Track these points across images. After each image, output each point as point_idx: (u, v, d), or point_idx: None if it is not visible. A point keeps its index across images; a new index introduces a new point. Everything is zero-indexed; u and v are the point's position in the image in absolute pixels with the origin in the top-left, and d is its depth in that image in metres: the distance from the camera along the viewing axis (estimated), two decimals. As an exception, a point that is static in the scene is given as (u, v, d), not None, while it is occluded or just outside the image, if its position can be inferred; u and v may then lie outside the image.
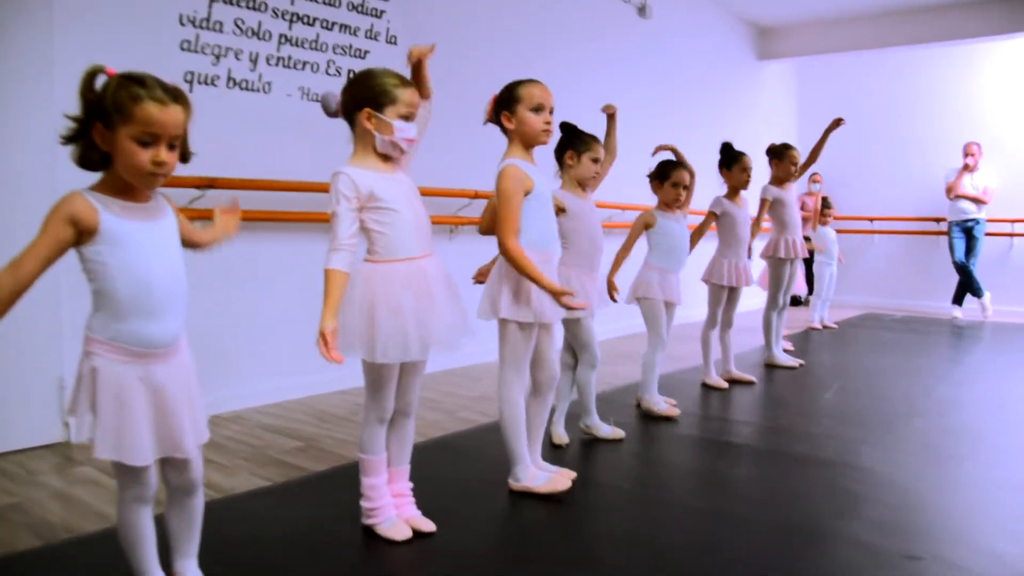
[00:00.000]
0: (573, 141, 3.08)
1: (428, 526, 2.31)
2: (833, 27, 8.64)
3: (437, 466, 2.88)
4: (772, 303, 4.93)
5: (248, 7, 3.84)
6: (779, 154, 4.87)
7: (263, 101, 3.92)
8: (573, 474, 2.72)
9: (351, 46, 4.32)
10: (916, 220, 9.21)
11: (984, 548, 2.25)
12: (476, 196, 4.87)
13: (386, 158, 2.21)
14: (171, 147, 1.59)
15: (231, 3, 3.77)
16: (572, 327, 3.18)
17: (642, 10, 6.76)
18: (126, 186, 1.61)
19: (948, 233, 8.33)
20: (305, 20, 4.09)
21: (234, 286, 3.81)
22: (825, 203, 6.87)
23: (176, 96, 1.59)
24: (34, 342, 3.12)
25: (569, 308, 2.42)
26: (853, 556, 2.18)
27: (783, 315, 5.04)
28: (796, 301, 7.27)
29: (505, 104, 2.52)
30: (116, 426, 1.60)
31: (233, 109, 3.80)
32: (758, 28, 9.04)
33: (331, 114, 2.26)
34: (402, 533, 2.24)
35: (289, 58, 4.03)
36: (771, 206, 4.85)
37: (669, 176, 3.76)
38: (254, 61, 3.87)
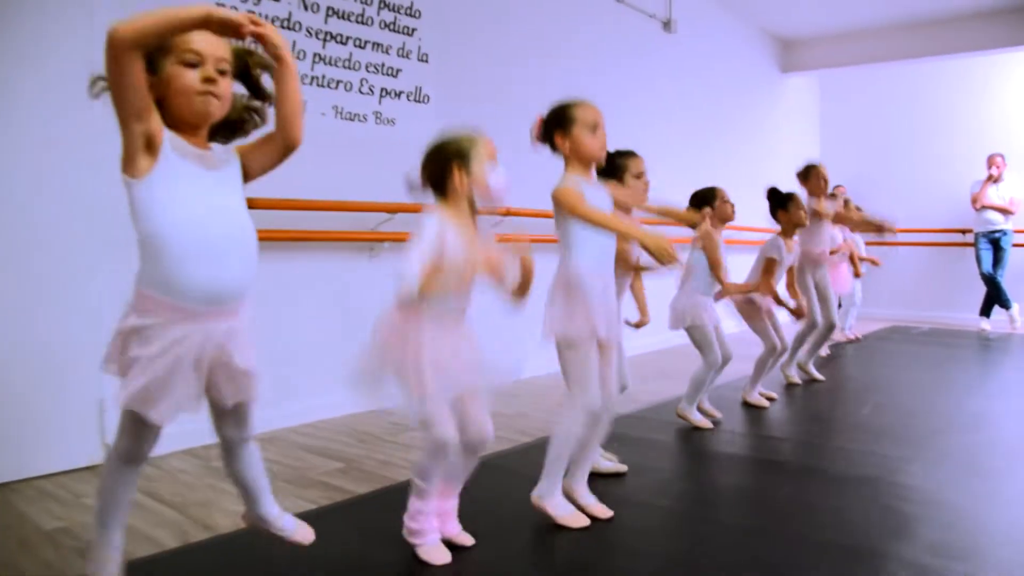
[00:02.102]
0: (612, 168, 3.02)
1: (467, 540, 2.33)
2: (857, 39, 8.63)
3: (476, 486, 2.87)
4: (810, 323, 4.88)
5: (283, 27, 3.86)
6: (806, 175, 4.90)
7: (297, 120, 3.93)
8: (610, 512, 2.60)
9: (383, 64, 4.34)
10: (942, 231, 9.15)
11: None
12: (507, 214, 4.87)
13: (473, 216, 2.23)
14: (221, 74, 1.59)
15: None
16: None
17: (667, 25, 6.77)
18: (187, 129, 1.61)
19: (975, 244, 8.27)
20: (338, 39, 4.11)
21: (269, 304, 3.81)
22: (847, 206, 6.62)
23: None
24: (75, 366, 3.13)
25: (668, 259, 2.25)
26: (911, 579, 2.15)
27: (812, 332, 4.99)
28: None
29: (559, 124, 2.51)
30: (151, 386, 1.56)
31: (268, 126, 3.80)
32: (782, 41, 9.03)
33: (415, 190, 2.24)
34: (442, 558, 2.22)
35: (323, 77, 4.04)
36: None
37: (717, 196, 3.75)
38: (289, 81, 3.89)
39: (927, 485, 2.94)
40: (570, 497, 2.61)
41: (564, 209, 2.41)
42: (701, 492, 3.00)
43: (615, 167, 3.00)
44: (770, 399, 4.40)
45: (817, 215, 4.77)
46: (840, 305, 6.79)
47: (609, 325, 2.49)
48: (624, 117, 6.24)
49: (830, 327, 4.87)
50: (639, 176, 3.04)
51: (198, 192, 1.59)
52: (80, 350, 3.12)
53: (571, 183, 2.45)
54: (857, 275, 6.69)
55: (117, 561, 1.79)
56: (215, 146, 1.71)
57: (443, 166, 2.16)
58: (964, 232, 8.84)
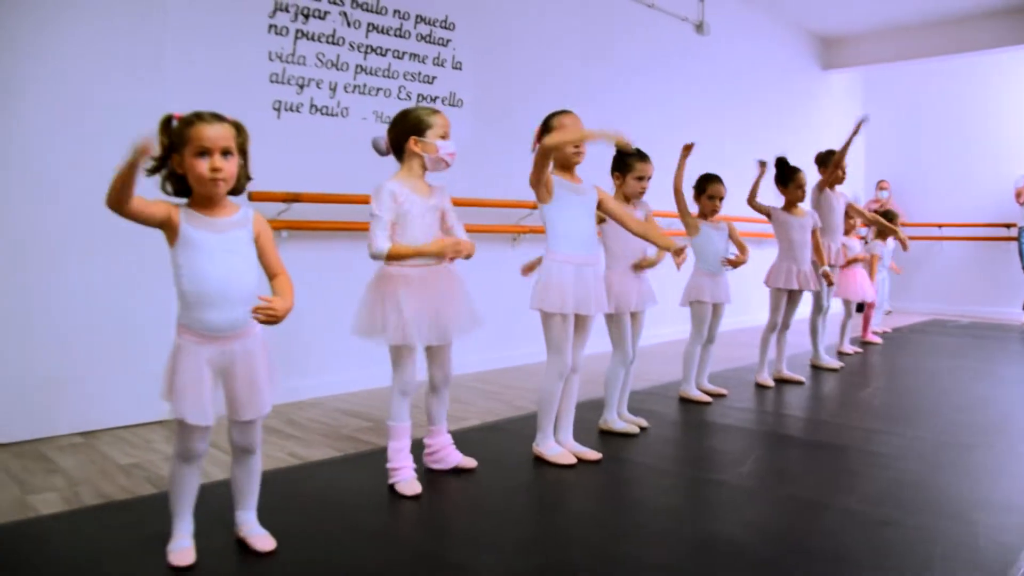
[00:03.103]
0: (619, 163, 3.46)
1: (471, 463, 2.89)
2: (898, 35, 8.76)
3: (495, 441, 3.31)
4: (817, 307, 5.18)
5: (328, 42, 4.36)
6: (825, 161, 5.15)
7: (341, 125, 4.44)
8: (598, 455, 3.11)
9: (420, 73, 4.81)
10: (985, 226, 9.21)
11: (963, 518, 2.52)
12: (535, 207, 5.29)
13: (427, 185, 2.72)
14: (225, 156, 2.02)
15: (313, 39, 4.30)
16: (609, 322, 3.53)
17: (699, 27, 7.07)
18: (205, 201, 2.06)
19: (1018, 239, 8.34)
20: (378, 51, 4.59)
21: (316, 287, 4.31)
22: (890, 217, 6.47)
23: (222, 119, 2.02)
24: (147, 337, 3.67)
25: (623, 143, 2.83)
26: (839, 523, 2.49)
27: (825, 317, 5.27)
28: (860, 307, 7.41)
29: (544, 132, 2.96)
30: (182, 390, 2.03)
31: (315, 132, 4.32)
32: (821, 38, 9.20)
33: (383, 153, 2.75)
34: (413, 489, 2.67)
35: (364, 85, 4.53)
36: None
37: (705, 190, 4.11)
38: (333, 89, 4.39)
39: (893, 453, 3.25)
40: (563, 445, 3.13)
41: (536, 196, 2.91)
42: (687, 453, 3.38)
43: (622, 164, 3.45)
44: (797, 382, 4.77)
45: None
46: (860, 309, 6.93)
47: (581, 302, 2.93)
48: (659, 120, 6.61)
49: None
50: (641, 179, 3.43)
51: (204, 256, 2.04)
52: (151, 325, 3.66)
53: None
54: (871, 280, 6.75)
55: (191, 546, 2.17)
56: (237, 211, 2.13)
57: (402, 134, 2.68)
58: (1008, 226, 8.89)
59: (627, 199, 3.47)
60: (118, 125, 3.55)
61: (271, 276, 2.18)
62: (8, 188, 3.36)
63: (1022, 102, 9.10)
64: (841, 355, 5.84)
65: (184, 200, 2.09)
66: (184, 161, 2.01)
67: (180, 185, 2.07)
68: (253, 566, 2.12)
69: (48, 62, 3.42)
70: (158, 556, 2.12)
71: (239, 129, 2.08)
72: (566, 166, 3.00)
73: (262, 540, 2.21)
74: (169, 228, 2.02)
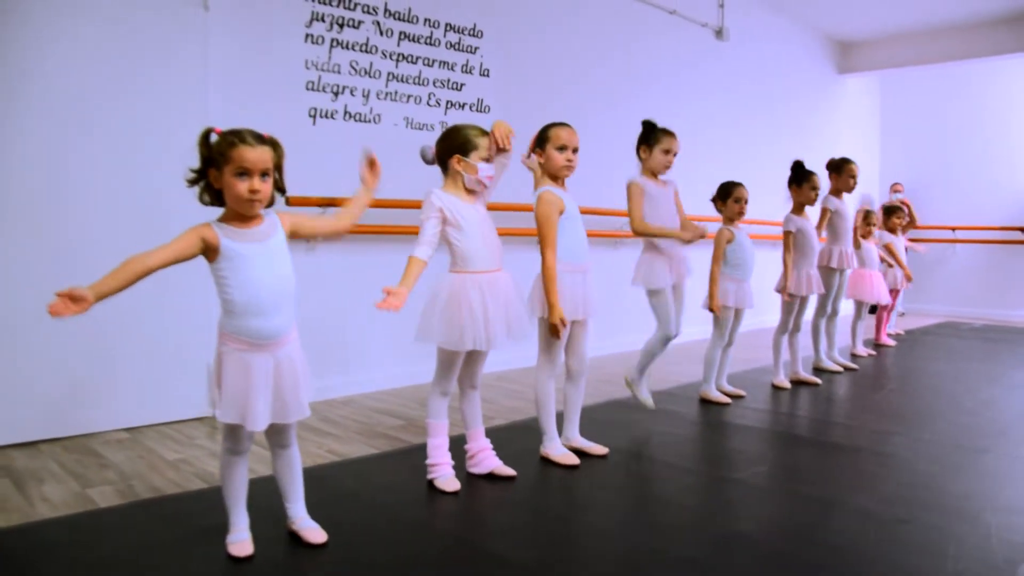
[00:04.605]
0: (647, 136, 3.61)
1: (509, 472, 2.98)
2: (914, 40, 8.84)
3: (522, 440, 3.46)
4: (820, 310, 5.29)
5: (361, 51, 4.50)
6: (838, 168, 5.23)
7: (374, 130, 4.58)
8: (605, 450, 3.30)
9: (449, 80, 4.95)
10: (1000, 229, 9.29)
11: (975, 518, 2.64)
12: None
13: (470, 192, 2.84)
14: (263, 178, 2.12)
15: (347, 48, 4.45)
16: (652, 298, 3.77)
17: (719, 33, 7.18)
18: (238, 215, 2.17)
19: (1031, 242, 8.43)
20: (409, 59, 4.73)
21: (350, 289, 4.46)
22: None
23: (263, 140, 2.11)
24: (189, 336, 3.83)
25: (553, 330, 2.98)
26: (854, 521, 2.62)
27: (833, 321, 5.38)
28: (873, 309, 7.51)
29: (539, 142, 3.11)
30: (235, 397, 2.15)
31: (349, 138, 4.47)
32: (838, 43, 9.29)
33: (429, 162, 2.88)
34: (452, 486, 2.82)
35: (396, 92, 4.67)
36: (795, 237, 4.83)
37: (731, 194, 4.23)
38: (366, 96, 4.54)
39: (904, 454, 3.38)
40: (569, 444, 3.29)
41: (537, 216, 3.03)
42: (707, 452, 3.51)
43: (650, 135, 3.67)
44: (813, 383, 4.90)
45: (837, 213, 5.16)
46: (873, 311, 7.02)
47: (576, 308, 3.07)
48: (680, 125, 6.66)
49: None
50: (668, 152, 3.63)
51: (250, 266, 2.15)
52: (192, 325, 3.82)
53: (547, 195, 3.04)
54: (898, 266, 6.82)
55: (248, 538, 2.31)
56: (265, 220, 2.23)
57: (447, 151, 2.82)
58: (1022, 230, 8.97)
59: (653, 174, 3.60)
60: (160, 130, 3.72)
61: (334, 225, 2.41)
62: (61, 190, 3.52)
63: (1037, 106, 9.17)
64: (854, 357, 5.94)
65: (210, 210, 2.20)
66: (223, 178, 2.10)
67: (216, 197, 2.16)
68: (308, 557, 2.27)
69: (87, 66, 3.58)
70: (213, 547, 2.27)
71: (276, 147, 2.17)
72: (556, 177, 3.12)
73: (314, 533, 2.35)
74: (208, 250, 2.11)
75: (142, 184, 3.69)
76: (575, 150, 3.09)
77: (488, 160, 2.82)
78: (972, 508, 2.74)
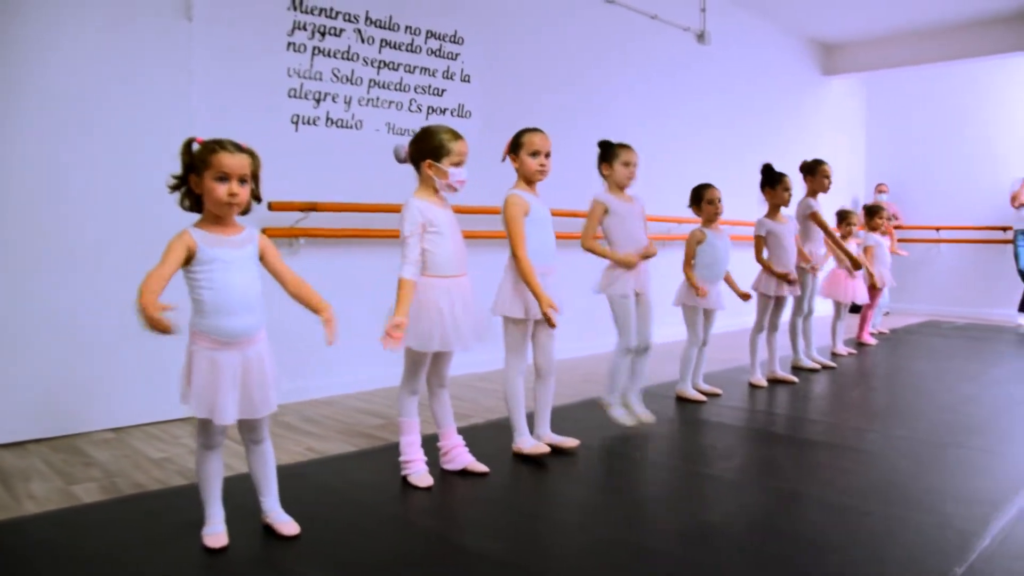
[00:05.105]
0: (605, 154, 3.66)
1: (482, 468, 3.04)
2: (899, 41, 8.96)
3: (497, 439, 3.53)
4: (797, 310, 5.36)
5: (343, 58, 4.58)
6: (811, 170, 5.29)
7: (356, 136, 4.66)
8: (576, 442, 3.38)
9: (430, 86, 5.03)
10: (982, 229, 9.40)
11: (936, 510, 2.72)
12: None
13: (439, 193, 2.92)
14: (241, 183, 2.25)
15: (329, 56, 4.53)
16: (613, 307, 3.69)
17: (701, 37, 7.27)
18: (216, 220, 2.28)
19: (1013, 241, 8.53)
20: (391, 66, 4.81)
21: (332, 291, 4.49)
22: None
23: (241, 149, 2.26)
24: (176, 338, 3.89)
25: (548, 320, 3.05)
26: (818, 514, 2.70)
27: (809, 321, 5.43)
28: (856, 308, 7.59)
29: (513, 148, 3.21)
30: (203, 393, 2.25)
31: (331, 144, 4.55)
32: (822, 45, 9.39)
33: (401, 161, 2.95)
34: (425, 481, 2.90)
35: (377, 99, 4.76)
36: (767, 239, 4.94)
37: (703, 196, 4.32)
38: (348, 103, 4.62)
39: (877, 450, 3.45)
40: (540, 439, 3.37)
41: (505, 217, 3.10)
42: (681, 448, 3.59)
43: (608, 153, 3.65)
44: (790, 382, 4.98)
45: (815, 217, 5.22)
46: (856, 309, 7.06)
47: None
48: (663, 129, 6.82)
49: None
50: (627, 164, 3.63)
51: (224, 269, 2.26)
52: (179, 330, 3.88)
53: (513, 198, 3.13)
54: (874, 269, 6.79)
55: (223, 530, 2.38)
56: (243, 230, 2.35)
57: (420, 154, 2.88)
58: (1004, 230, 9.07)
59: (620, 188, 3.65)
60: (148, 136, 3.79)
61: (290, 281, 2.43)
62: (42, 193, 3.59)
63: (1019, 108, 9.29)
64: (834, 356, 6.02)
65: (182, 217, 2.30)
66: (203, 183, 2.22)
67: (195, 203, 2.28)
68: (280, 548, 2.35)
69: (76, 74, 3.65)
70: (193, 541, 2.35)
71: (253, 156, 2.30)
72: (530, 181, 3.20)
73: (287, 526, 2.43)
74: (190, 254, 2.22)
75: (127, 189, 3.76)
76: (548, 155, 3.18)
77: (459, 164, 2.89)
78: (933, 500, 2.82)
